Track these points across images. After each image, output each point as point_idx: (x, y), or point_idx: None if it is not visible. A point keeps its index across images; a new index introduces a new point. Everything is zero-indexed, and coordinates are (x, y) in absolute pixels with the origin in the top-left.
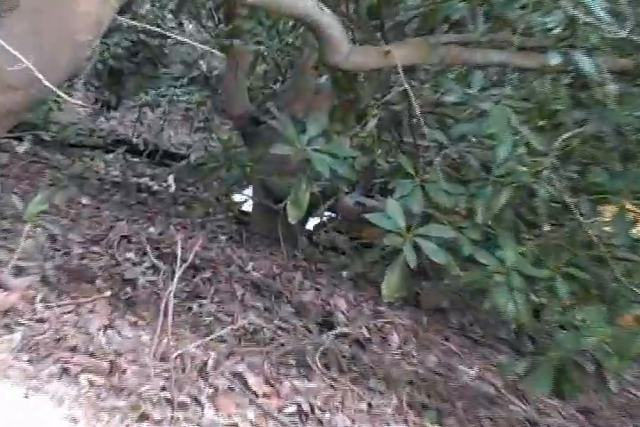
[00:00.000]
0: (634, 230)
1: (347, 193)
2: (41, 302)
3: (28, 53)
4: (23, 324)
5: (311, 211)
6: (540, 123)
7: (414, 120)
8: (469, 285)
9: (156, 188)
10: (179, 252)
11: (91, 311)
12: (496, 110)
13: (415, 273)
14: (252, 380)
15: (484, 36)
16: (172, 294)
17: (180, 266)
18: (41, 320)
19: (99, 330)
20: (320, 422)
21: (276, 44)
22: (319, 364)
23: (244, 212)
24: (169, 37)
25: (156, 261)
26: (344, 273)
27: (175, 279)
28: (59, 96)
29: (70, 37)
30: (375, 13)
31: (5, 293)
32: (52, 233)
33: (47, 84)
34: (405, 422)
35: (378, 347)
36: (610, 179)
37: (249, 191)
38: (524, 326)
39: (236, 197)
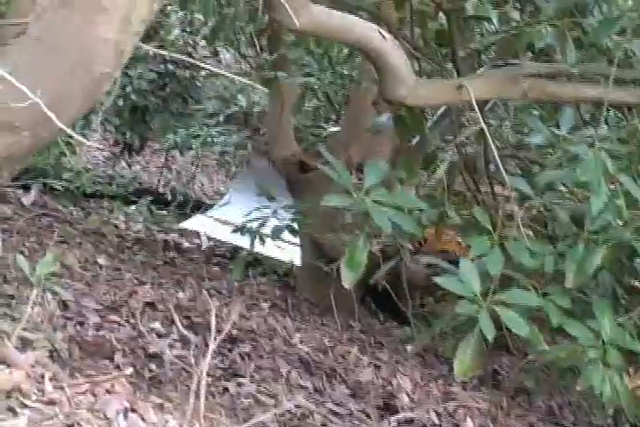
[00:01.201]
0: None
1: (412, 253)
2: (50, 380)
3: (36, 87)
4: (29, 407)
5: (370, 273)
6: None
7: (492, 166)
8: (558, 361)
9: (186, 245)
10: (213, 321)
11: (109, 392)
12: (589, 154)
13: (493, 347)
14: None
15: (574, 67)
16: (205, 372)
17: (215, 338)
18: (50, 402)
19: (118, 414)
20: None
21: (328, 77)
22: None
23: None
24: (202, 68)
25: (185, 332)
26: (409, 347)
27: (209, 354)
28: (71, 137)
29: (86, 68)
30: (445, 40)
31: (9, 370)
32: (63, 299)
33: (58, 123)
34: None
35: None
36: None
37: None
38: (624, 410)
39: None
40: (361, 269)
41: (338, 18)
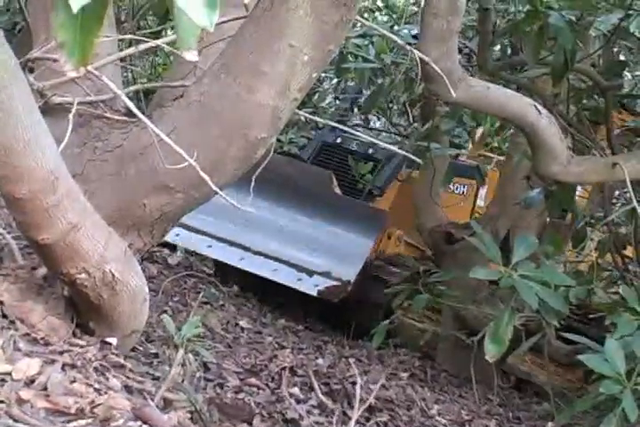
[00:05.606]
0: None
1: (557, 329)
2: None
3: (192, 150)
4: None
5: (511, 347)
6: None
7: None
8: None
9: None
10: (358, 390)
11: None
12: None
13: None
14: None
15: None
16: None
17: (359, 407)
18: None
19: None
20: None
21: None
22: None
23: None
24: (353, 136)
25: (324, 398)
26: (549, 424)
27: (352, 423)
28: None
29: (242, 133)
30: (601, 117)
31: None
32: (204, 360)
33: (213, 186)
34: None
35: None
36: None
37: None
38: None
39: None
40: (505, 344)
41: (494, 91)
